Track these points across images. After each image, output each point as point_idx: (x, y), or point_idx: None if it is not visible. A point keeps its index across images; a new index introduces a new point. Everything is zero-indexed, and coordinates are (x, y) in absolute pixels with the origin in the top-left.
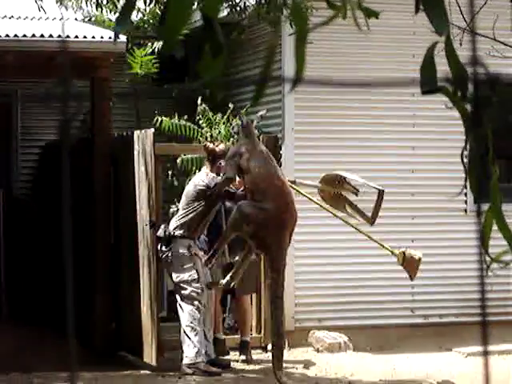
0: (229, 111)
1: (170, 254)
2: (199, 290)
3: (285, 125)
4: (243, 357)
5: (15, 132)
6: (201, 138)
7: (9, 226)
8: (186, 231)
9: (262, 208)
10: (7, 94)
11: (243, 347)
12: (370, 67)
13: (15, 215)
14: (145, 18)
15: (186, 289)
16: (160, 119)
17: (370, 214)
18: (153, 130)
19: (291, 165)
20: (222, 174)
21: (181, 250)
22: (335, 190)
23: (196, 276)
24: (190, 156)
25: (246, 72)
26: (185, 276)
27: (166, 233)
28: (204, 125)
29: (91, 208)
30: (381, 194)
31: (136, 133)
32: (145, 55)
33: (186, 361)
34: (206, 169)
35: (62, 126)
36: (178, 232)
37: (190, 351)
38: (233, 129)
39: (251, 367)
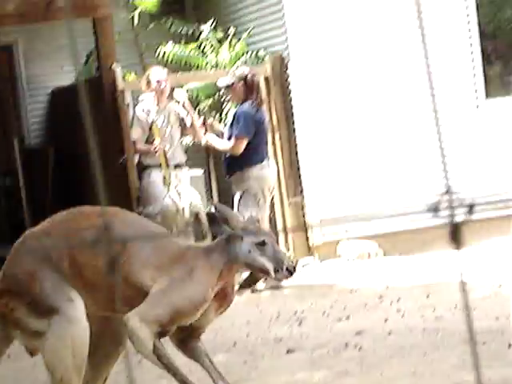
0: (231, 34)
1: None
2: None
3: (289, 43)
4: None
5: (20, 81)
6: (207, 68)
7: (28, 175)
8: None
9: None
10: (8, 44)
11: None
12: None
13: (32, 164)
14: None
15: None
16: (163, 51)
17: None
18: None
19: (302, 83)
20: None
21: None
22: None
23: None
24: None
25: None
26: None
27: None
28: (209, 51)
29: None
30: None
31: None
32: None
33: None
34: None
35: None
36: None
37: None
38: None
39: None
